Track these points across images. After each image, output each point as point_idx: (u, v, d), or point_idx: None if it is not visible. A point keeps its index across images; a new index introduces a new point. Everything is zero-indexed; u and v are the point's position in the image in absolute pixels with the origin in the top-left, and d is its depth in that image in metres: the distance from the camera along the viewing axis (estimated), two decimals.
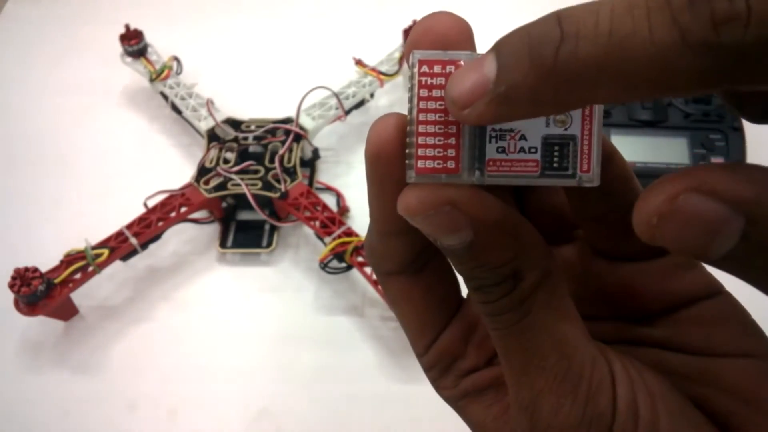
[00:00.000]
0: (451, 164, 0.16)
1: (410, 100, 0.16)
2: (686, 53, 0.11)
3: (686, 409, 0.17)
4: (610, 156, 0.18)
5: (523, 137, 0.16)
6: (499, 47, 0.14)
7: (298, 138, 0.56)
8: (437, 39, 0.16)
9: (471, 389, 0.20)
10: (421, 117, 0.15)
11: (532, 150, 0.16)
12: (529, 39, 0.13)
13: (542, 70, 0.13)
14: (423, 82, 0.15)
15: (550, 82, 0.13)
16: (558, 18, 0.13)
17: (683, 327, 0.18)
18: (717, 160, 0.51)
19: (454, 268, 0.18)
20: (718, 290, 0.19)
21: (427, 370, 0.21)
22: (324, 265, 0.50)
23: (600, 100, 0.13)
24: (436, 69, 0.15)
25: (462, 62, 0.15)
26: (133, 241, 0.50)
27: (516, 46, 0.13)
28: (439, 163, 0.16)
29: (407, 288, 0.20)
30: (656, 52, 0.12)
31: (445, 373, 0.20)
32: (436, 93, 0.15)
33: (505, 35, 0.14)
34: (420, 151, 0.16)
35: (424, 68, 0.15)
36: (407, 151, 0.16)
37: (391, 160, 0.16)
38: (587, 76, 0.12)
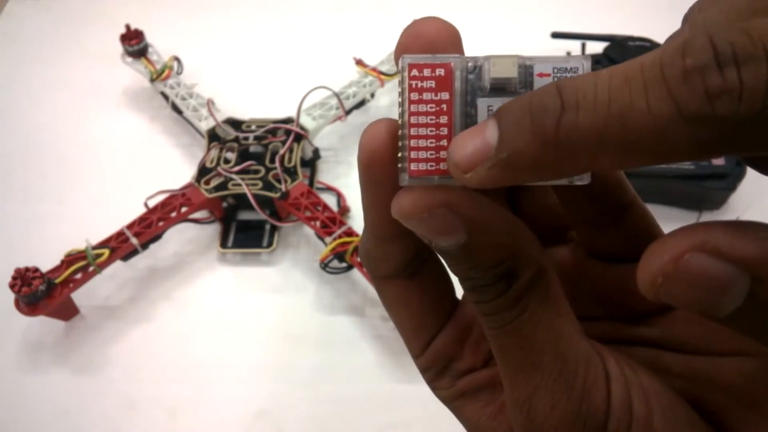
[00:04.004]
0: (443, 166, 0.16)
1: (401, 104, 0.16)
2: (683, 125, 0.12)
3: (680, 408, 0.17)
4: None
5: None
6: (500, 114, 0.14)
7: (299, 138, 0.56)
8: (426, 44, 0.16)
9: (467, 389, 0.20)
10: (413, 120, 0.16)
11: None
12: (531, 108, 0.13)
13: (544, 139, 0.13)
14: (413, 86, 0.16)
15: (552, 151, 0.13)
16: (558, 88, 0.13)
17: (677, 326, 0.19)
18: (717, 161, 0.51)
19: (449, 269, 0.18)
20: None
21: (424, 371, 0.21)
22: (324, 265, 0.50)
23: (601, 167, 0.13)
24: (426, 72, 0.16)
25: (452, 64, 0.16)
26: (134, 241, 0.50)
27: (518, 114, 0.14)
28: (431, 165, 0.16)
29: (402, 291, 0.20)
30: (654, 123, 0.12)
31: (441, 374, 0.21)
32: (426, 96, 0.16)
33: (506, 103, 0.14)
34: (413, 154, 0.16)
35: (414, 72, 0.16)
36: (399, 154, 0.16)
37: (383, 166, 0.16)
38: (588, 146, 0.13)
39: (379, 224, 0.18)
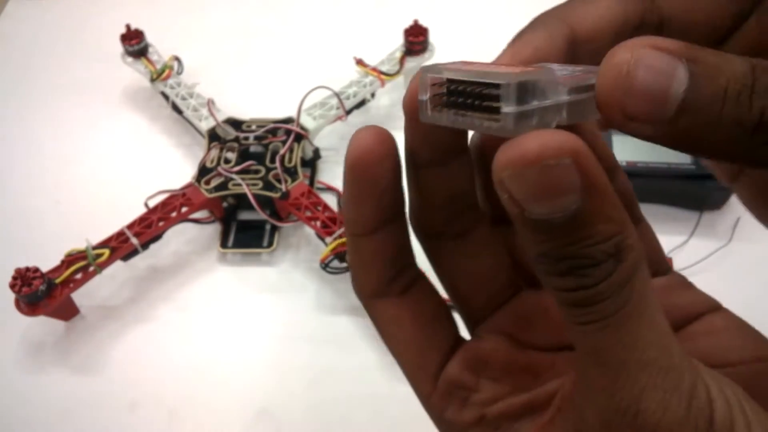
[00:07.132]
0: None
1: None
2: None
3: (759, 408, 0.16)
4: (613, 172, 0.18)
5: None
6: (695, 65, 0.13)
7: (299, 138, 0.56)
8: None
9: (504, 415, 0.18)
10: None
11: None
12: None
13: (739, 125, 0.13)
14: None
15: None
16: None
17: (694, 340, 0.18)
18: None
19: (530, 246, 0.14)
20: (718, 305, 0.19)
21: (441, 411, 0.19)
22: (325, 265, 0.50)
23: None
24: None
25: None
26: (134, 241, 0.50)
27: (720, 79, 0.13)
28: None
29: (395, 311, 0.19)
30: None
31: (464, 405, 0.18)
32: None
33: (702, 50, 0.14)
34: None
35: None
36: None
37: (370, 165, 0.16)
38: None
39: (359, 220, 0.17)
